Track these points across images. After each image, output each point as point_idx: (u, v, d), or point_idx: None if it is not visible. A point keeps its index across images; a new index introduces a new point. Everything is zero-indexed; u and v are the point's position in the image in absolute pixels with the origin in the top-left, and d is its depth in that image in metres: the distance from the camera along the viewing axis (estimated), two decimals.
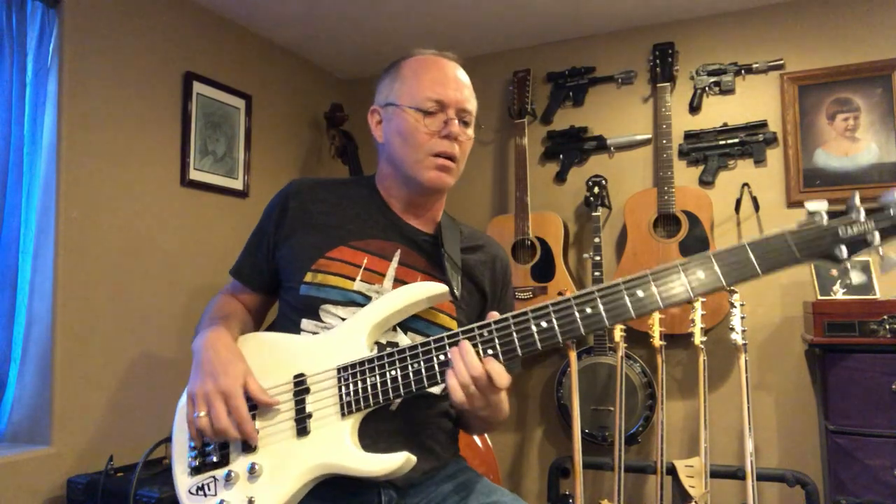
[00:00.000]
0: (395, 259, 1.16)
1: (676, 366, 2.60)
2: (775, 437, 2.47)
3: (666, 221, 2.53)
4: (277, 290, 1.25)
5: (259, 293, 1.27)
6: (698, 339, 2.26)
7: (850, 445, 2.06)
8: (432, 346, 1.01)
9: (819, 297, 2.19)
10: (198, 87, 2.43)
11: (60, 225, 1.95)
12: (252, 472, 1.04)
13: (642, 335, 2.44)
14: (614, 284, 0.94)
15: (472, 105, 1.19)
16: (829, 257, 0.89)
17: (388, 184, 1.22)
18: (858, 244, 0.88)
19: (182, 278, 2.34)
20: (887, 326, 2.03)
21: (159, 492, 1.73)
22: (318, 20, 2.66)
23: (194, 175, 2.41)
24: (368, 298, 1.12)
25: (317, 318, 1.13)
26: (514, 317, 0.97)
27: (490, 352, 0.97)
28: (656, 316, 2.34)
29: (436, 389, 1.10)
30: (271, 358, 1.11)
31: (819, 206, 0.90)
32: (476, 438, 2.41)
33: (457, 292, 1.13)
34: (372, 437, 1.05)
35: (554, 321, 0.95)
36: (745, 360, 2.19)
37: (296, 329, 1.15)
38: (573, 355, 2.42)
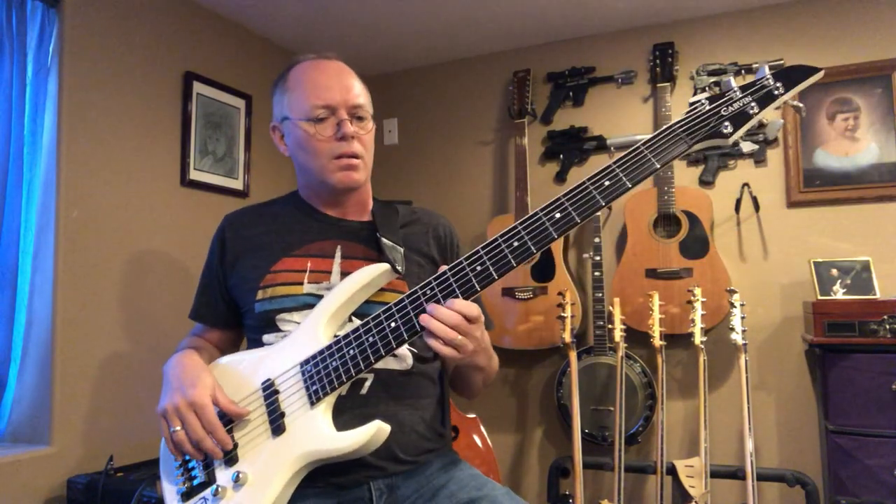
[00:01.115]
0: (338, 254, 1.20)
1: (676, 366, 2.60)
2: (775, 437, 2.47)
3: (666, 221, 2.53)
4: (238, 324, 1.29)
5: (221, 329, 1.32)
6: (698, 339, 2.26)
7: (849, 445, 2.06)
8: (382, 316, 1.03)
9: (819, 297, 2.19)
10: (198, 87, 2.43)
11: (60, 225, 1.95)
12: (237, 480, 1.05)
13: (642, 335, 2.44)
14: (533, 215, 0.98)
15: (362, 99, 1.21)
16: (718, 135, 0.95)
17: (307, 191, 1.28)
18: (741, 117, 0.95)
19: (182, 278, 2.34)
20: (887, 326, 2.03)
21: (157, 489, 1.73)
22: (318, 20, 2.66)
23: (194, 175, 2.41)
24: (320, 297, 1.14)
25: (276, 329, 1.17)
26: (450, 268, 1.01)
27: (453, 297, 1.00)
28: (656, 316, 2.34)
29: (401, 364, 1.16)
30: (238, 374, 1.14)
31: (699, 96, 0.98)
32: (476, 438, 2.41)
33: (399, 268, 1.16)
34: (347, 425, 1.05)
35: (487, 262, 0.99)
36: (745, 360, 2.19)
37: (261, 346, 1.18)
38: (573, 355, 2.42)
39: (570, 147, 2.83)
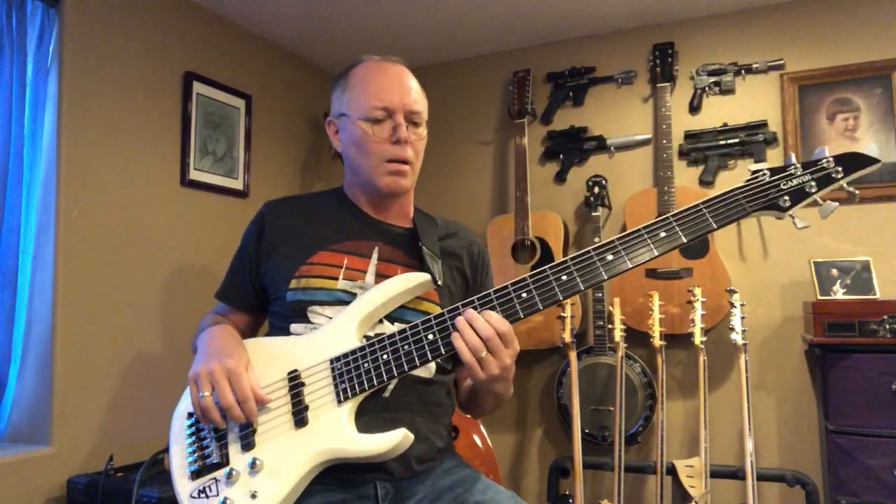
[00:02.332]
0: (374, 255, 1.21)
1: (676, 366, 2.60)
2: (775, 437, 2.47)
3: None
4: (262, 310, 1.30)
5: (244, 312, 1.32)
6: (698, 339, 2.26)
7: (849, 445, 2.06)
8: (420, 327, 1.05)
9: (819, 297, 2.19)
10: (198, 87, 2.43)
11: (60, 225, 1.95)
12: (253, 467, 1.05)
13: (642, 335, 2.44)
14: (584, 253, 1.02)
15: (420, 106, 1.23)
16: (775, 207, 0.99)
17: (353, 189, 1.28)
18: (799, 194, 0.99)
19: (182, 278, 2.34)
20: (887, 326, 2.03)
21: (159, 492, 1.73)
22: (318, 20, 2.66)
23: (194, 175, 2.41)
24: (353, 295, 1.15)
25: (305, 320, 1.17)
26: (495, 291, 1.03)
27: None
28: (656, 316, 2.34)
29: (424, 373, 1.17)
30: (265, 360, 1.13)
31: (761, 166, 1.02)
32: (476, 438, 2.41)
33: (438, 279, 1.17)
34: (368, 427, 1.06)
35: (534, 291, 1.02)
36: (745, 360, 2.19)
37: (286, 335, 1.18)
38: (573, 355, 2.42)
39: (570, 147, 2.83)
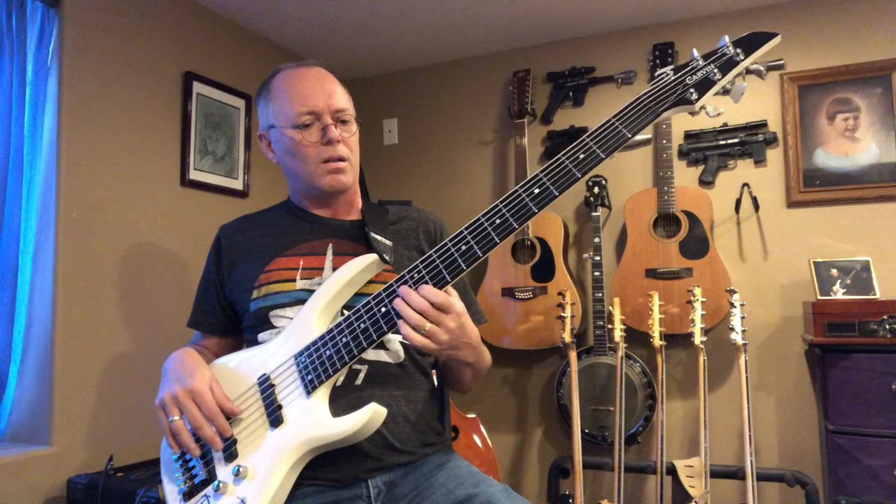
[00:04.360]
0: (329, 252, 1.24)
1: (676, 366, 2.60)
2: (775, 437, 2.47)
3: (666, 221, 2.53)
4: (235, 332, 1.32)
5: (218, 337, 1.34)
6: (698, 339, 2.26)
7: (849, 445, 2.06)
8: (372, 302, 1.05)
9: (819, 297, 2.19)
10: (198, 87, 2.43)
11: (60, 225, 1.95)
12: (238, 474, 1.06)
13: (642, 335, 2.44)
14: (512, 192, 1.00)
15: (344, 103, 1.24)
16: (684, 102, 1.00)
17: (298, 196, 1.32)
18: (705, 84, 1.00)
19: (182, 278, 2.34)
20: (887, 326, 2.03)
21: (159, 492, 1.73)
22: (318, 20, 2.66)
23: (194, 175, 2.41)
24: (312, 293, 1.16)
25: (270, 326, 1.20)
26: (436, 251, 1.03)
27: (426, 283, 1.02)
28: (656, 316, 2.34)
29: (392, 358, 1.19)
30: (234, 373, 1.16)
31: (665, 69, 1.02)
32: (476, 438, 2.41)
33: (387, 258, 1.19)
34: (344, 414, 1.06)
35: (471, 241, 1.01)
36: (745, 360, 2.19)
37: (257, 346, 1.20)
38: (573, 355, 2.42)
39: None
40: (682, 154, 2.64)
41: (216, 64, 2.54)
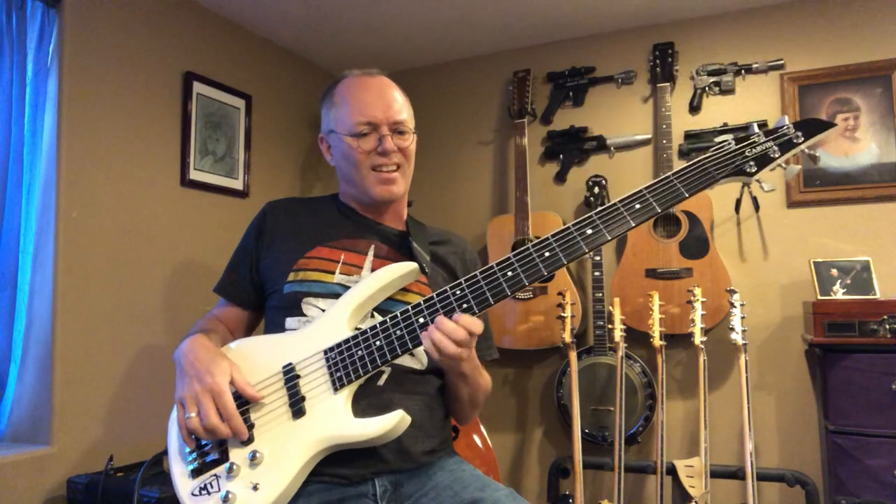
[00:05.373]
0: (370, 253, 1.27)
1: (676, 366, 2.60)
2: (775, 437, 2.47)
3: (666, 221, 2.53)
4: (260, 307, 1.33)
5: (242, 308, 1.34)
6: (698, 339, 2.26)
7: (849, 445, 2.06)
8: (410, 311, 1.08)
9: (819, 297, 2.19)
10: (198, 87, 2.43)
11: (60, 225, 1.95)
12: (253, 459, 1.06)
13: (642, 335, 2.44)
14: (565, 229, 1.06)
15: (403, 115, 1.28)
16: (742, 173, 1.05)
17: (348, 197, 1.35)
18: (763, 159, 1.05)
19: (182, 278, 2.34)
20: (887, 326, 2.03)
21: (159, 492, 1.73)
22: (318, 20, 2.66)
23: (194, 175, 2.41)
24: (348, 289, 1.18)
25: (300, 313, 1.21)
26: (481, 272, 1.07)
27: (465, 306, 1.06)
28: (656, 316, 2.34)
29: (417, 364, 1.21)
30: (258, 357, 1.15)
31: (725, 137, 1.08)
32: (476, 438, 2.41)
33: (426, 269, 1.23)
34: (365, 414, 1.08)
35: (518, 269, 1.05)
36: (745, 360, 2.19)
37: (281, 330, 1.21)
38: (573, 355, 2.42)
39: (569, 147, 2.83)
40: (683, 154, 2.64)
41: (216, 64, 2.54)
